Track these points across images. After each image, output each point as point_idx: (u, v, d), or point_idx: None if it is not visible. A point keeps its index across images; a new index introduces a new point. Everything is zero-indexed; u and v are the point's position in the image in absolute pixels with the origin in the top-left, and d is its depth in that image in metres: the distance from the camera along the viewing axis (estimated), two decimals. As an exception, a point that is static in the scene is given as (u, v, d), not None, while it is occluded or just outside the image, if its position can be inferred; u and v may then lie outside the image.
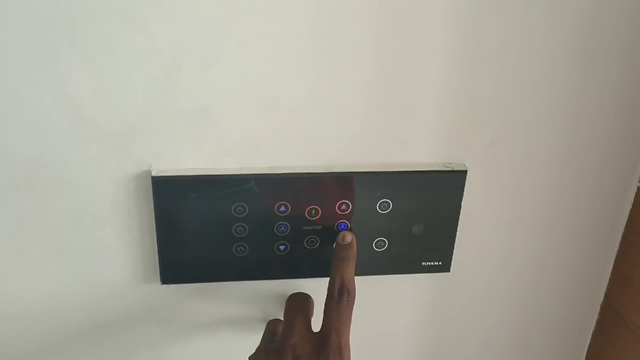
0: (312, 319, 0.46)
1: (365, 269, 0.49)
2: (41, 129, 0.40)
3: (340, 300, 0.41)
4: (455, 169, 0.46)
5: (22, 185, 0.42)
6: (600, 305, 0.57)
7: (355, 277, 0.44)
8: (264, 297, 0.50)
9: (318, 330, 0.41)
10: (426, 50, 0.42)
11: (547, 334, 0.58)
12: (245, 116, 0.42)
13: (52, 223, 0.44)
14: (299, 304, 0.47)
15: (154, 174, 0.42)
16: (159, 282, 0.46)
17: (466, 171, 0.46)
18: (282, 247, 0.47)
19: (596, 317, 0.57)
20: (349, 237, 0.44)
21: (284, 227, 0.46)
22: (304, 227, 0.46)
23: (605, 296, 0.56)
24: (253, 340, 0.49)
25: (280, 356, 0.40)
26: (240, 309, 0.51)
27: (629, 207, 0.52)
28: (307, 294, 0.49)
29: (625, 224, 0.53)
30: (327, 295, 0.42)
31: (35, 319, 0.48)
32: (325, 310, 0.41)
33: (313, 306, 0.48)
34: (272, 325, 0.49)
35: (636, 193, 0.51)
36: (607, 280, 0.55)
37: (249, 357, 0.42)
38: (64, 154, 0.41)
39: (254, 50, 0.40)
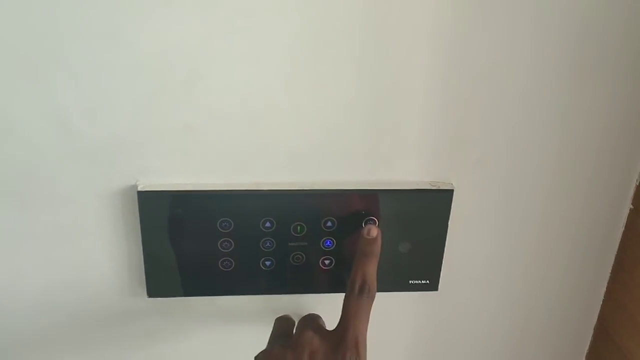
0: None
1: (352, 287, 0.49)
2: (30, 145, 0.41)
3: (360, 296, 0.39)
4: (441, 187, 0.46)
5: (11, 199, 0.43)
6: (594, 328, 0.56)
7: (341, 294, 0.43)
8: (250, 312, 0.51)
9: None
10: (412, 69, 0.42)
11: (538, 356, 0.57)
12: (230, 133, 0.43)
13: (41, 236, 0.45)
14: (312, 319, 0.45)
15: (140, 188, 0.43)
16: (146, 295, 0.47)
17: (453, 190, 0.46)
18: (267, 263, 0.47)
19: (589, 340, 0.56)
20: (374, 231, 0.42)
21: (270, 243, 0.46)
22: (290, 244, 0.46)
23: (598, 319, 0.55)
24: (239, 355, 0.49)
25: (296, 351, 0.39)
26: (226, 324, 0.51)
27: (621, 228, 0.51)
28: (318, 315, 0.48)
29: (617, 247, 0.52)
30: (347, 290, 0.40)
31: (23, 330, 0.48)
32: (344, 305, 0.40)
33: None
34: (282, 324, 0.47)
35: (628, 215, 0.50)
36: (600, 303, 0.55)
37: (261, 353, 0.41)
38: (52, 169, 0.42)
39: (238, 69, 0.41)
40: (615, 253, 0.52)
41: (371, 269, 0.41)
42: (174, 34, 0.39)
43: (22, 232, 0.44)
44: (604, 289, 0.54)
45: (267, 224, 0.45)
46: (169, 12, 0.38)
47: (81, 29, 0.38)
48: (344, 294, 0.45)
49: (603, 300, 0.54)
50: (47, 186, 0.43)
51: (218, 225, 0.45)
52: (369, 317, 0.40)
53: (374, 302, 0.50)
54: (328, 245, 0.47)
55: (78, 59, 0.39)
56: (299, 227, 0.46)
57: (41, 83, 0.39)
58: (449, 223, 0.47)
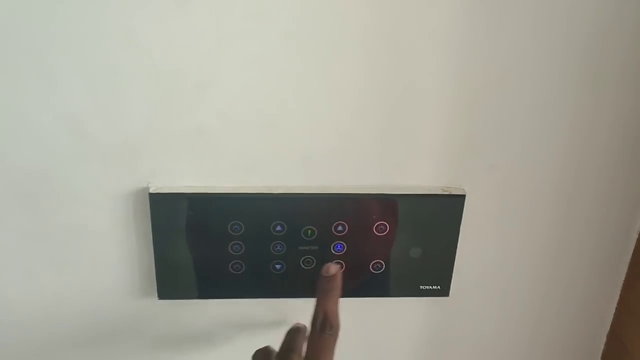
0: None
1: (362, 291, 0.49)
2: (44, 147, 0.42)
3: (322, 334, 0.39)
4: (453, 193, 0.46)
5: (26, 200, 0.43)
6: (606, 336, 0.55)
7: (352, 298, 0.43)
8: (260, 315, 0.51)
9: None
10: (425, 74, 0.42)
11: (550, 363, 0.57)
12: (242, 136, 0.43)
13: (53, 236, 0.45)
14: (296, 340, 0.45)
15: (151, 190, 0.43)
16: (156, 297, 0.47)
17: (465, 195, 0.46)
18: (278, 267, 0.47)
19: (601, 348, 0.56)
20: (333, 269, 0.42)
21: (280, 247, 0.46)
22: (300, 247, 0.46)
23: (611, 327, 0.55)
24: (247, 357, 0.49)
25: None
26: (235, 327, 0.51)
27: (635, 235, 0.51)
28: (302, 328, 0.47)
29: (631, 254, 0.51)
30: (310, 329, 0.40)
31: (35, 329, 0.49)
32: (308, 344, 0.40)
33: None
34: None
35: (643, 222, 0.50)
36: (613, 311, 0.54)
37: None
38: (65, 170, 0.42)
39: (251, 72, 0.41)
40: (629, 260, 0.52)
41: (331, 305, 0.41)
42: (186, 38, 0.39)
43: (35, 233, 0.44)
44: (617, 297, 0.53)
45: (278, 228, 0.45)
46: (182, 16, 0.38)
47: (94, 32, 0.38)
48: (353, 298, 0.45)
49: (616, 308, 0.54)
50: (60, 188, 0.43)
51: (229, 228, 0.45)
52: (333, 355, 0.39)
53: (383, 306, 0.50)
54: (339, 249, 0.47)
55: (91, 62, 0.39)
56: (309, 231, 0.46)
57: (55, 86, 0.40)
58: (460, 228, 0.47)
